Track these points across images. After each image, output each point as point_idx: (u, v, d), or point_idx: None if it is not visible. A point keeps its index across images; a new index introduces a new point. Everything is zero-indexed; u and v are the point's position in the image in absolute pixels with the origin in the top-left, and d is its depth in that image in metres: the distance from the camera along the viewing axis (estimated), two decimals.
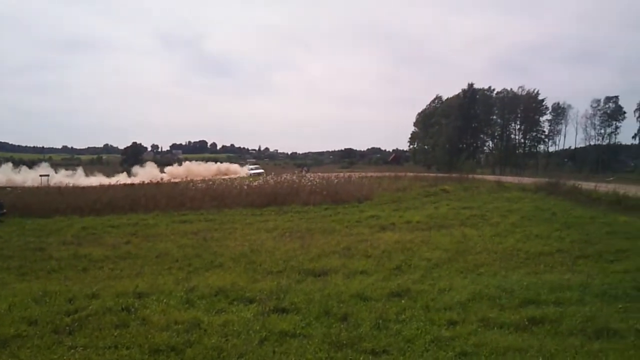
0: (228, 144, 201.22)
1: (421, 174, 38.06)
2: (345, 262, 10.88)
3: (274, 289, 8.64)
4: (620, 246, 12.12)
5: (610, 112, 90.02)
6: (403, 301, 8.01)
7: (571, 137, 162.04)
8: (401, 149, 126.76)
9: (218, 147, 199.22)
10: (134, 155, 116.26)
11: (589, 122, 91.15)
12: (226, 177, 48.69)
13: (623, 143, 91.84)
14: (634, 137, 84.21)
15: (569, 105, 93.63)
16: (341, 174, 35.84)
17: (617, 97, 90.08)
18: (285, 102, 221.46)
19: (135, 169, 64.08)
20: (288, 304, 7.79)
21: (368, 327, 6.76)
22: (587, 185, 24.79)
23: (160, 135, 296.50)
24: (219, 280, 9.28)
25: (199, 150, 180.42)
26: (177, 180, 38.10)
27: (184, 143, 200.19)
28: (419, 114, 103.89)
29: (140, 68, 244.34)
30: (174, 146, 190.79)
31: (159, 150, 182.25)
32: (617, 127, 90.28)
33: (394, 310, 7.48)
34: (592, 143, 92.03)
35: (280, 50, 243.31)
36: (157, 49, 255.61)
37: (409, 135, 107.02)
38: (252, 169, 66.13)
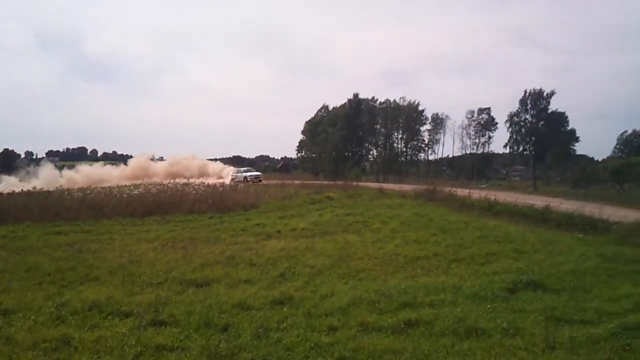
0: (110, 151, 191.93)
1: (308, 182, 38.61)
2: (229, 272, 10.77)
3: (153, 301, 8.35)
4: (490, 249, 12.98)
5: (484, 122, 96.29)
6: (285, 309, 8.07)
7: (449, 146, 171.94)
8: (290, 157, 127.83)
9: (99, 154, 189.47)
10: (7, 162, 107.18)
11: (465, 132, 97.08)
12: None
13: (496, 152, 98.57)
14: (504, 146, 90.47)
15: (447, 116, 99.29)
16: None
17: (489, 108, 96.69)
18: (173, 108, 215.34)
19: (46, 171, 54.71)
20: (167, 316, 7.57)
21: (248, 337, 6.72)
22: (462, 192, 26.34)
23: (36, 141, 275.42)
24: (94, 294, 8.80)
25: (78, 157, 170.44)
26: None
27: (61, 150, 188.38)
28: (307, 123, 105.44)
29: (12, 69, 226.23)
30: (50, 153, 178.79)
31: (34, 157, 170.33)
32: (490, 137, 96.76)
33: (276, 319, 7.51)
34: (468, 152, 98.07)
35: (167, 54, 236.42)
36: (32, 49, 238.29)
37: (297, 144, 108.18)
38: (241, 172, 50.95)
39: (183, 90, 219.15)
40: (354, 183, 33.53)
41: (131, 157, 73.10)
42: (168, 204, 22.63)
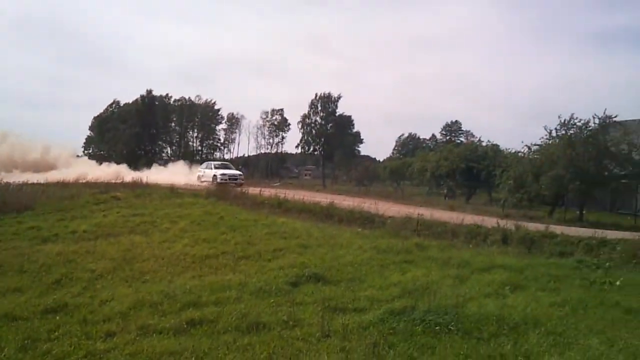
0: None
1: (93, 181, 36.21)
2: None
3: None
4: (277, 245, 13.43)
5: (277, 123, 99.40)
6: (58, 317, 7.49)
7: (245, 146, 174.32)
8: (78, 155, 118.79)
9: None
10: None
11: (260, 132, 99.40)
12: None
13: (289, 152, 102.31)
14: (297, 147, 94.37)
15: (242, 116, 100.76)
16: None
17: (282, 109, 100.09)
18: None
19: None
20: None
21: (12, 350, 6.12)
22: (254, 190, 26.87)
23: None
24: None
25: None
26: None
27: None
28: (94, 119, 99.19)
29: None
30: None
31: None
32: (283, 137, 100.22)
33: (47, 328, 6.95)
34: (263, 151, 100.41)
35: None
36: None
37: (84, 140, 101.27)
38: (210, 169, 38.83)
39: None
40: (144, 182, 32.29)
41: None
42: None
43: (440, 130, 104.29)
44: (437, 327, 6.98)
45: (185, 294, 8.70)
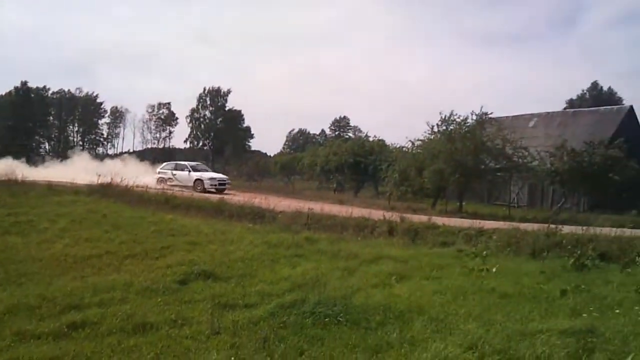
0: None
1: None
2: None
3: None
4: (165, 243, 13.10)
5: (164, 117, 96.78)
6: None
7: (130, 141, 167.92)
8: None
9: None
10: None
11: (146, 126, 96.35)
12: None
13: (177, 147, 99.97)
14: (185, 141, 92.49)
15: (127, 110, 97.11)
16: None
17: (169, 103, 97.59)
18: None
19: None
20: None
21: None
22: (140, 186, 25.95)
23: None
24: None
25: None
26: None
27: None
28: None
29: None
30: None
31: None
32: (171, 132, 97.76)
33: None
34: (149, 146, 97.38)
35: None
36: None
37: None
38: (186, 170, 33.09)
39: None
40: (19, 179, 30.20)
41: None
42: None
43: (330, 125, 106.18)
44: (326, 319, 7.10)
45: (66, 296, 8.24)
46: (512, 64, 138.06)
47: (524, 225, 17.01)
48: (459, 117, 29.87)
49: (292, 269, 10.70)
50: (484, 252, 13.04)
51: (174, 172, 33.27)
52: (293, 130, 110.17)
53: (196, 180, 31.69)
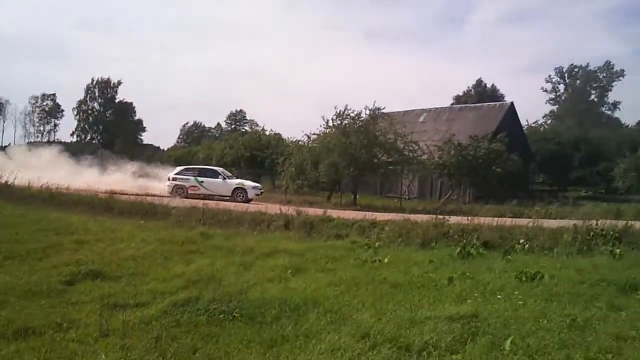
0: None
1: None
2: None
3: None
4: (49, 242, 12.37)
5: (49, 109, 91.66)
6: None
7: (10, 134, 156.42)
8: None
9: None
10: None
11: (28, 118, 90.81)
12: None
13: (63, 140, 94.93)
14: (72, 134, 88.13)
15: (7, 101, 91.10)
16: None
17: (54, 94, 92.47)
18: None
19: None
20: None
21: None
22: (21, 182, 24.37)
23: None
24: None
25: None
26: None
27: None
28: None
29: None
30: None
31: None
32: (56, 125, 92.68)
33: None
34: (32, 140, 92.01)
35: None
36: None
37: None
38: (220, 178, 28.79)
39: None
40: None
41: None
42: None
43: (225, 119, 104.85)
44: (221, 316, 7.04)
45: None
46: (404, 60, 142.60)
47: (414, 217, 17.67)
48: (353, 112, 30.58)
49: (186, 266, 10.49)
50: (377, 244, 13.49)
51: (201, 179, 28.31)
52: (187, 123, 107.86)
53: (236, 189, 28.04)
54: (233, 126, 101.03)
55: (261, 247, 12.67)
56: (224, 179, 28.70)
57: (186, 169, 29.89)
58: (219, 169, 30.98)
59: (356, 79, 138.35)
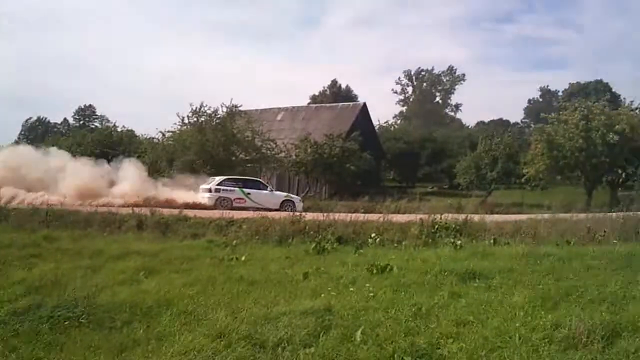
0: None
1: None
2: None
3: None
4: None
5: None
6: None
7: None
8: None
9: None
10: None
11: None
12: None
13: None
14: None
15: None
16: None
17: None
18: None
19: None
20: None
21: None
22: None
23: None
24: None
25: None
26: None
27: None
28: None
29: None
30: None
31: None
32: None
33: None
34: None
35: None
36: None
37: None
38: (266, 190, 26.84)
39: None
40: None
41: None
42: None
43: (73, 114, 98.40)
44: (66, 322, 6.62)
45: None
46: (262, 59, 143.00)
47: (271, 214, 17.83)
48: (209, 109, 30.21)
49: (27, 271, 9.74)
50: (234, 242, 13.43)
51: (247, 190, 26.67)
52: (30, 118, 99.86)
53: (284, 201, 26.87)
54: (82, 122, 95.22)
55: (111, 249, 12.13)
56: (271, 190, 27.73)
57: (227, 180, 27.17)
58: (262, 180, 29.88)
59: (215, 76, 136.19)
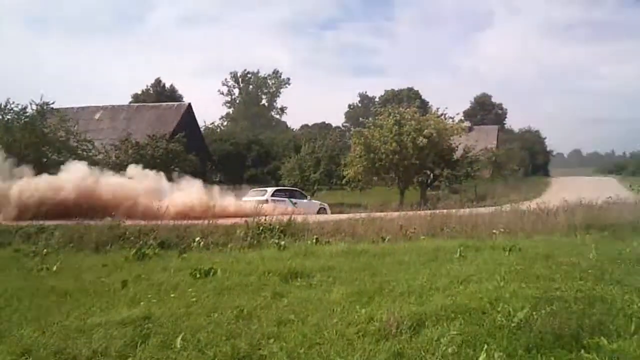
0: None
1: None
2: None
3: None
4: None
5: None
6: None
7: None
8: None
9: None
10: None
11: None
12: None
13: None
14: None
15: None
16: None
17: None
18: None
19: None
20: None
21: None
22: None
23: None
24: None
25: None
26: None
27: None
28: None
29: None
30: None
31: None
32: None
33: None
34: None
35: None
36: None
37: None
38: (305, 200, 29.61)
39: None
40: None
41: None
42: None
43: None
44: None
45: None
46: (82, 52, 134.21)
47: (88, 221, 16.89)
48: (17, 106, 27.74)
49: None
50: (45, 251, 12.49)
51: (294, 200, 29.33)
52: None
53: (320, 208, 29.80)
54: None
55: None
56: (309, 199, 31.09)
57: (278, 190, 30.56)
58: (302, 190, 33.26)
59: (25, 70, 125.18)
